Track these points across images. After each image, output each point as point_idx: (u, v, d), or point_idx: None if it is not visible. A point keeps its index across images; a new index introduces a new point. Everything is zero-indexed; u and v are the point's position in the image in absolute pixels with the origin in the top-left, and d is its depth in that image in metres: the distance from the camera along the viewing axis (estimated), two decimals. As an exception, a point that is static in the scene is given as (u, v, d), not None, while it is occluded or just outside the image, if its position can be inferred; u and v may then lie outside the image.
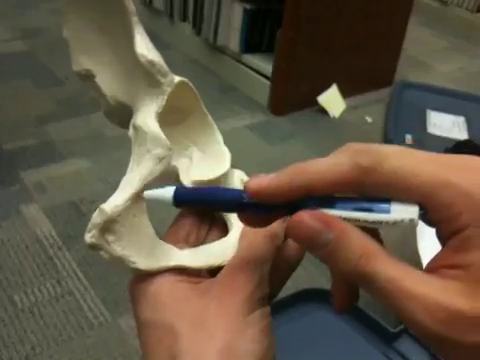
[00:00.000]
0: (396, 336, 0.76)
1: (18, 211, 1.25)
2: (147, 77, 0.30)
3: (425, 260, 0.78)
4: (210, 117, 0.35)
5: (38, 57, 1.93)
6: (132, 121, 0.31)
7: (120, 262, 0.28)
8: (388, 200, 0.23)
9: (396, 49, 1.93)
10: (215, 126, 0.35)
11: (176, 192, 0.28)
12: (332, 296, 0.28)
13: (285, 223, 0.30)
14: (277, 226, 0.29)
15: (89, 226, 0.27)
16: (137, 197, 0.29)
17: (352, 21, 1.73)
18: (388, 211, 0.23)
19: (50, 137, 1.52)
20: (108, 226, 0.28)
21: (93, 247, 0.28)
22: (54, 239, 1.18)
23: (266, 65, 1.73)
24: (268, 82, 1.73)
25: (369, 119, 1.75)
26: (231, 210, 0.27)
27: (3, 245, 1.16)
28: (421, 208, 0.22)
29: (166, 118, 0.31)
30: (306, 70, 1.70)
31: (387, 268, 0.22)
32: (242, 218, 0.27)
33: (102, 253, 0.28)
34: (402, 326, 0.77)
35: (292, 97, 1.73)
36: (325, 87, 1.76)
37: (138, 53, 0.29)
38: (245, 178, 0.35)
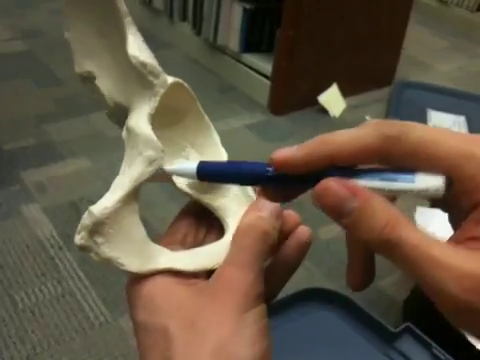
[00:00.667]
0: (397, 336, 0.76)
1: (19, 211, 1.25)
2: (140, 78, 0.30)
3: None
4: (207, 118, 0.35)
5: (38, 57, 1.93)
6: (126, 122, 0.31)
7: (109, 263, 0.28)
8: (412, 171, 0.23)
9: (396, 48, 1.93)
10: (212, 127, 0.35)
11: (199, 165, 0.28)
12: (348, 275, 0.28)
13: (278, 222, 0.29)
14: (268, 225, 0.29)
15: (79, 228, 0.28)
16: (128, 199, 0.29)
17: (352, 20, 1.73)
18: (413, 181, 0.23)
19: (50, 137, 1.52)
20: (97, 228, 0.28)
21: (83, 249, 0.28)
22: (55, 239, 1.18)
23: (266, 65, 1.73)
24: (268, 82, 1.73)
25: (369, 118, 1.75)
26: (254, 183, 0.27)
27: (4, 245, 1.16)
28: (446, 179, 0.23)
29: (162, 119, 0.31)
30: (306, 69, 1.70)
31: (413, 235, 0.22)
32: (263, 193, 0.27)
33: (92, 255, 0.28)
34: (403, 326, 0.77)
35: (292, 97, 1.73)
36: (325, 86, 1.76)
37: (130, 54, 0.29)
38: None
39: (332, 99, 1.77)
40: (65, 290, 1.07)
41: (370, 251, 0.27)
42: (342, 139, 0.24)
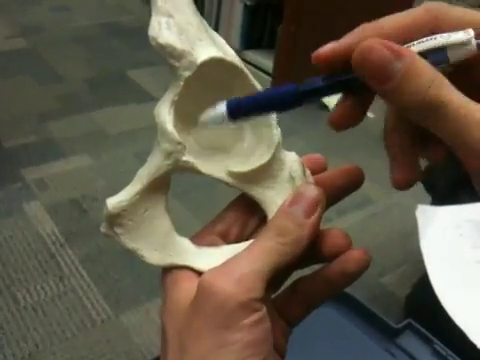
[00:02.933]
0: (398, 332, 0.76)
1: (20, 209, 1.25)
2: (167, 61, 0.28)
3: (427, 259, 0.78)
4: (260, 89, 0.30)
5: (39, 54, 1.92)
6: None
7: (132, 253, 0.29)
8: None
9: (397, 44, 1.93)
10: None
11: (228, 104, 0.26)
12: (392, 172, 0.26)
13: (306, 231, 0.27)
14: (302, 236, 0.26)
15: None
16: (148, 192, 0.28)
17: (353, 15, 1.72)
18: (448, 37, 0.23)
19: (51, 134, 1.52)
20: (113, 220, 0.28)
21: (107, 236, 0.28)
22: (56, 236, 1.18)
23: (267, 61, 1.73)
24: (269, 78, 1.73)
25: (371, 115, 1.75)
26: (290, 104, 0.26)
27: (6, 243, 1.16)
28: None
29: (214, 97, 0.29)
30: (308, 66, 1.70)
31: (456, 97, 0.22)
32: (335, 117, 0.27)
33: (118, 243, 0.29)
34: (404, 322, 0.77)
35: (293, 93, 1.73)
36: (326, 83, 1.75)
37: (149, 36, 0.27)
38: (296, 167, 0.31)
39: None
40: (67, 287, 1.07)
41: (409, 128, 0.26)
42: (389, 18, 0.24)
